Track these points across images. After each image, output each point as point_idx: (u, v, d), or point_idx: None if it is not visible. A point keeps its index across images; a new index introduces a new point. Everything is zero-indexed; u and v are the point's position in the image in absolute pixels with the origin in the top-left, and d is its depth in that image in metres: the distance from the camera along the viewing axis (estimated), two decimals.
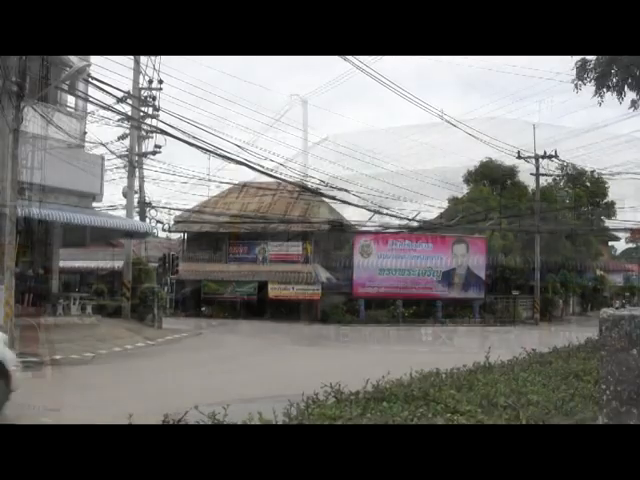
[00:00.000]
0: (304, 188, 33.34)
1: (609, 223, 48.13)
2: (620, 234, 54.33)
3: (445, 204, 44.76)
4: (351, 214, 38.47)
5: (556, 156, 41.78)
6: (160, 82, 28.40)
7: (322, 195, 33.76)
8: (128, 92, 25.87)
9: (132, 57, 26.67)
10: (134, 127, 27.88)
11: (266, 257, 40.09)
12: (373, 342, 27.10)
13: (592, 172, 48.15)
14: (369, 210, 35.61)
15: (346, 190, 31.10)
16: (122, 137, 29.97)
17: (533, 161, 41.69)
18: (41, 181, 20.23)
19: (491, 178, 45.86)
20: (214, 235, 40.52)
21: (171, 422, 3.62)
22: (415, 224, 39.45)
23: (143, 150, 30.12)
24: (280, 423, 4.16)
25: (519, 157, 41.69)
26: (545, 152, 41.35)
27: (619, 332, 2.24)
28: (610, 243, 61.88)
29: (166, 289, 29.31)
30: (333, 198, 32.43)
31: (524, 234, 42.72)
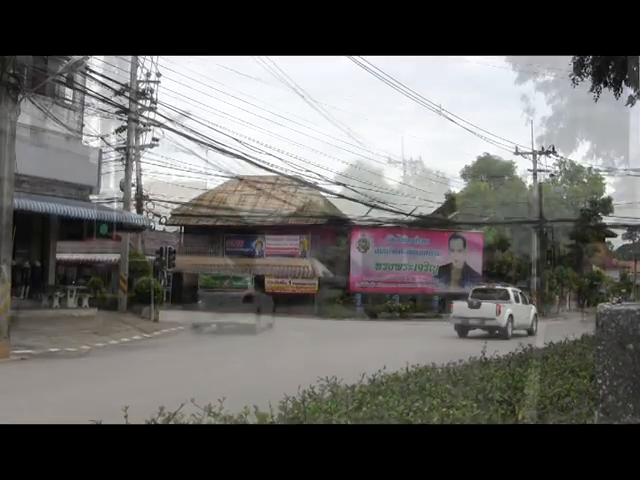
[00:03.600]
0: (301, 182, 33.33)
1: (606, 219, 48.22)
2: (617, 230, 54.45)
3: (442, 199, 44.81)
4: (349, 209, 38.45)
5: (554, 152, 41.83)
6: (158, 75, 28.40)
7: (319, 189, 33.79)
8: (126, 85, 25.80)
9: None
10: (131, 120, 27.83)
11: (263, 251, 40.07)
12: (369, 336, 27.12)
13: (589, 169, 48.26)
14: (366, 205, 35.64)
15: (344, 185, 31.14)
16: (119, 130, 29.96)
17: (531, 157, 41.75)
18: (38, 173, 20.21)
19: (489, 174, 45.89)
20: (211, 228, 40.49)
21: (166, 414, 3.63)
22: (412, 219, 39.51)
23: (141, 143, 30.10)
24: (275, 417, 4.16)
25: (517, 153, 41.73)
26: (542, 148, 41.39)
27: (616, 327, 2.24)
28: (607, 239, 61.95)
29: (163, 282, 29.30)
30: (330, 193, 32.46)
31: (521, 230, 42.79)
